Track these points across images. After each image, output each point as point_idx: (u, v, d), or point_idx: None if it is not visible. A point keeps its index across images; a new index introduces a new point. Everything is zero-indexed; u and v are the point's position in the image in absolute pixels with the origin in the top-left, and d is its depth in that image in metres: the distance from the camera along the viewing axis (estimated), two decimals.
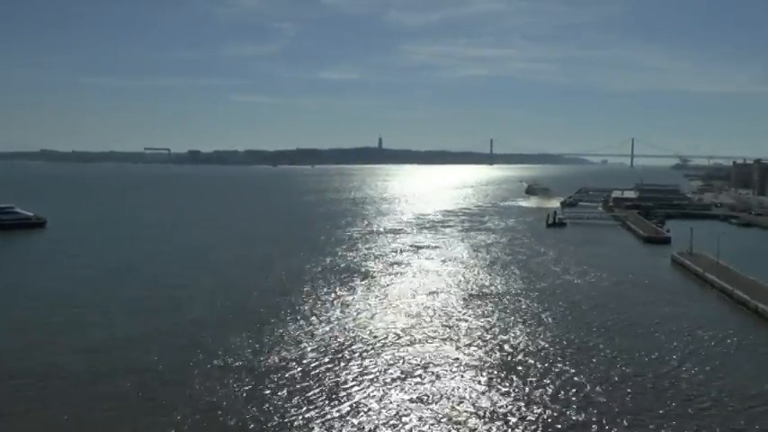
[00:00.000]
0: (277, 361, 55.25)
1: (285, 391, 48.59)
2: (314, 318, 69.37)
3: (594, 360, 56.96)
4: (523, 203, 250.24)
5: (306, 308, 73.55)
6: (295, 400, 46.97)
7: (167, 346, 59.19)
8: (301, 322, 67.50)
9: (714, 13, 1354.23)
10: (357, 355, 57.19)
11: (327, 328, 65.27)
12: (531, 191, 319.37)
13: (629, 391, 49.73)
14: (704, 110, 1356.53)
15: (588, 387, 50.40)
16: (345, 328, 65.35)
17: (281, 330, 64.34)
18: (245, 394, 48.17)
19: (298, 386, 49.66)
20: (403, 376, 52.12)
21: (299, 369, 53.32)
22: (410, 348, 59.16)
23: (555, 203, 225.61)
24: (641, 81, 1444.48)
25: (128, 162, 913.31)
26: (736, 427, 43.92)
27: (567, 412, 45.66)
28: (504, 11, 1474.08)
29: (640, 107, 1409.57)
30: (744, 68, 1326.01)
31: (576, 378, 52.25)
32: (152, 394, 47.85)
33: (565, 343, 61.84)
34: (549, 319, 70.46)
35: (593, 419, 44.44)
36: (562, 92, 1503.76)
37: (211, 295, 79.67)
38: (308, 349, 58.47)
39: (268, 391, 48.61)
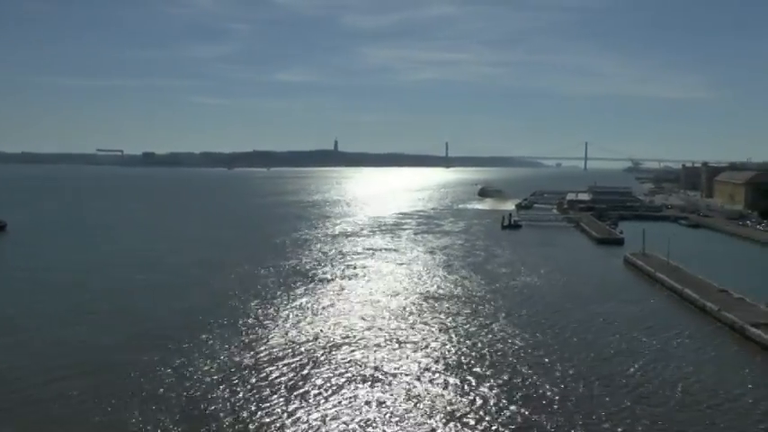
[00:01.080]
0: (228, 367, 53.87)
1: (237, 398, 47.43)
2: (268, 323, 68.00)
3: (549, 359, 57.07)
4: (478, 206, 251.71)
5: (259, 313, 72.08)
6: (248, 407, 45.86)
7: (106, 351, 57.30)
8: (254, 328, 66.07)
9: (662, 21, 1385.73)
10: (312, 359, 56.18)
11: (281, 333, 64.07)
12: (484, 193, 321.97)
13: (582, 389, 49.88)
14: (654, 114, 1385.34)
15: (543, 386, 50.38)
16: (300, 333, 64.24)
17: (233, 336, 62.78)
18: (191, 402, 46.85)
19: (251, 392, 48.53)
20: (359, 379, 51.36)
21: (253, 375, 52.11)
22: (366, 352, 58.45)
23: (510, 206, 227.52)
24: (594, 86, 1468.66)
25: (80, 163, 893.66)
26: (685, 421, 44.38)
27: (524, 411, 45.50)
28: (459, 15, 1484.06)
29: (593, 111, 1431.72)
30: (690, 75, 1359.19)
31: (531, 377, 52.20)
32: (90, 402, 46.24)
33: (520, 343, 61.89)
34: (505, 320, 70.50)
35: (548, 418, 44.38)
36: (517, 96, 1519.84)
37: (161, 300, 77.80)
38: (261, 355, 57.22)
39: (218, 399, 47.36)
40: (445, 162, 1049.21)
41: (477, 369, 54.43)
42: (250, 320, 68.68)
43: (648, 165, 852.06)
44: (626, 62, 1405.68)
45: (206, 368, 53.39)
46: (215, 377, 51.43)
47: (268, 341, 61.21)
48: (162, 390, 48.59)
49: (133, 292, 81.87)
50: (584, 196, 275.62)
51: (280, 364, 54.76)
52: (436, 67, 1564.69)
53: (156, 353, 56.58)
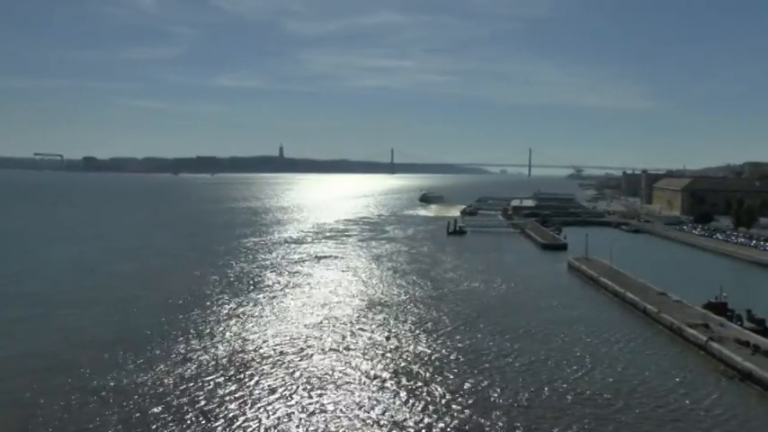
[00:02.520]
0: (168, 381, 51.75)
1: (178, 413, 45.67)
2: (208, 334, 65.92)
3: (494, 363, 56.96)
4: (424, 212, 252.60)
5: (200, 323, 69.91)
6: (189, 421, 44.26)
7: (37, 368, 54.45)
8: (194, 339, 63.82)
9: (602, 32, 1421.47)
10: (256, 369, 54.69)
11: (223, 344, 62.31)
12: (425, 199, 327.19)
13: (528, 394, 49.72)
14: (595, 123, 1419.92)
15: (488, 389, 50.15)
16: (243, 343, 62.64)
17: (171, 348, 60.58)
18: (131, 418, 44.92)
19: (192, 406, 46.78)
20: (304, 389, 50.13)
21: (194, 388, 50.25)
22: (311, 361, 57.26)
23: (455, 212, 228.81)
24: (536, 95, 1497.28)
25: (17, 168, 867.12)
26: (631, 422, 44.58)
27: (470, 415, 45.16)
28: (403, 23, 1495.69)
29: (537, 119, 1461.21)
30: (630, 85, 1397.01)
31: (477, 381, 51.86)
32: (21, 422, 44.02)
33: (465, 349, 61.58)
34: (450, 326, 70.18)
35: (493, 421, 44.05)
36: (461, 103, 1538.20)
37: (96, 312, 74.80)
38: (203, 367, 55.29)
39: (158, 414, 45.53)
40: (390, 168, 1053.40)
41: (423, 374, 53.83)
42: (191, 331, 66.52)
43: (591, 172, 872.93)
44: (567, 72, 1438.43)
45: (142, 383, 51.27)
46: (153, 392, 49.40)
47: (210, 352, 59.38)
48: (96, 407, 46.63)
49: (61, 305, 78.18)
50: (529, 202, 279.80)
51: (222, 375, 53.09)
52: (381, 74, 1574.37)
53: (87, 371, 53.90)
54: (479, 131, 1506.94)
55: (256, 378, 52.41)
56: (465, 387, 51.11)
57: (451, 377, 53.41)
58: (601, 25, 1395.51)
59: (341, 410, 46.17)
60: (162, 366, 54.92)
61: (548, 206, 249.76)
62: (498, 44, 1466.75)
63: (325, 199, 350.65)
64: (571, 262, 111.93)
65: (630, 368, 56.55)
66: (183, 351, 59.36)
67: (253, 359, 57.21)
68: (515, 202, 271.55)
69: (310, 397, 48.61)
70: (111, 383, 50.65)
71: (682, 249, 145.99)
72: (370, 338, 64.67)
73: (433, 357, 58.84)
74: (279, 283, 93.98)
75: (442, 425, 44.08)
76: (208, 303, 79.41)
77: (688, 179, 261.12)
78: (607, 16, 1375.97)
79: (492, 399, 48.83)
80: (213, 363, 56.06)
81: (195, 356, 57.81)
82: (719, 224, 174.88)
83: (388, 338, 64.82)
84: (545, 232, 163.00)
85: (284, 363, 56.42)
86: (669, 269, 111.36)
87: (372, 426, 43.88)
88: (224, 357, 57.60)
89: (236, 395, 48.67)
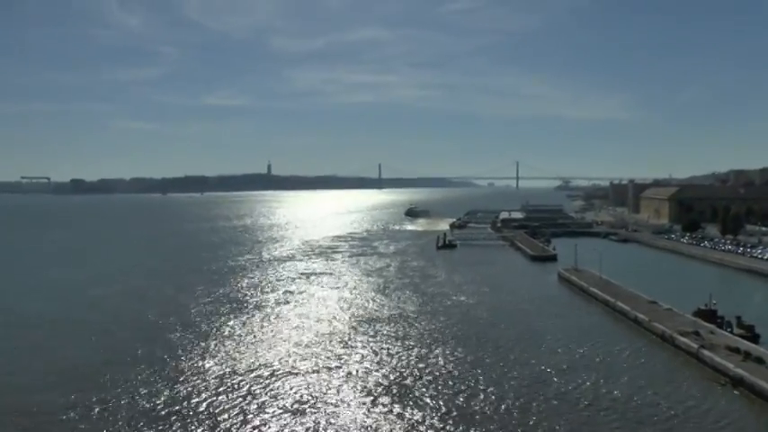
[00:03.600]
0: (157, 402, 51.36)
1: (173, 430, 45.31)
2: (198, 354, 65.39)
3: (488, 376, 56.75)
4: (412, 227, 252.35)
5: (189, 344, 69.37)
6: None
7: (20, 393, 53.88)
8: (184, 360, 63.38)
9: (585, 44, 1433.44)
10: (247, 389, 54.26)
11: (214, 364, 61.81)
12: (411, 213, 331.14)
13: (522, 404, 49.57)
14: (582, 134, 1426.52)
15: (483, 404, 49.90)
16: (233, 363, 62.13)
17: (160, 370, 60.08)
18: None
19: (186, 424, 46.44)
20: (296, 407, 49.78)
21: (185, 409, 49.88)
22: (303, 378, 56.88)
23: (443, 225, 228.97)
24: (522, 107, 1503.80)
25: (3, 192, 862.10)
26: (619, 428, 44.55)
27: (466, 429, 44.97)
28: (387, 38, 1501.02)
29: (523, 132, 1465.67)
30: (613, 96, 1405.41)
31: (471, 396, 51.62)
32: None
33: (459, 362, 61.44)
34: (442, 340, 69.98)
35: None
36: (447, 117, 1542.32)
37: (89, 333, 74.26)
38: (196, 386, 54.92)
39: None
40: (378, 184, 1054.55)
41: (416, 391, 53.53)
42: (180, 352, 65.95)
43: (578, 183, 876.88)
44: (553, 84, 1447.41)
45: (131, 404, 50.80)
46: (140, 413, 48.93)
47: (200, 372, 58.90)
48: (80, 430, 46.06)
49: (50, 327, 77.80)
50: (518, 214, 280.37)
51: (212, 395, 52.64)
52: (366, 90, 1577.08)
53: (74, 393, 53.23)
54: (466, 145, 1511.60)
55: (247, 398, 51.92)
56: (458, 402, 50.87)
57: (444, 392, 53.13)
58: (583, 38, 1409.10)
59: (334, 429, 45.81)
60: (151, 388, 54.38)
61: (536, 218, 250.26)
62: (482, 58, 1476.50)
63: (313, 216, 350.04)
64: (561, 273, 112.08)
65: (624, 377, 56.53)
66: (172, 372, 58.78)
67: (243, 379, 56.67)
68: (504, 215, 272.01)
69: (303, 415, 48.24)
70: (97, 406, 50.08)
71: (670, 258, 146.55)
72: (361, 355, 64.33)
73: (424, 373, 58.52)
74: (268, 301, 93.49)
75: None
76: (197, 323, 78.87)
77: (675, 188, 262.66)
78: (589, 29, 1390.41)
79: (486, 410, 48.66)
80: (204, 383, 55.57)
81: (185, 377, 57.27)
82: (708, 232, 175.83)
83: (379, 355, 64.51)
84: (534, 244, 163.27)
85: (275, 382, 55.95)
86: (658, 278, 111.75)
87: None
88: (214, 377, 57.12)
89: (227, 415, 48.22)
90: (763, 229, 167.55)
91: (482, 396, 51.96)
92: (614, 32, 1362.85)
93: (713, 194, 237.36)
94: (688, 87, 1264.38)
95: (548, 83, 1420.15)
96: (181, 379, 56.89)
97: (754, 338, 66.12)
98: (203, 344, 69.00)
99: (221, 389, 54.10)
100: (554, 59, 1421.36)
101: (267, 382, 55.94)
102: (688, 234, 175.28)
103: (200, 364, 61.66)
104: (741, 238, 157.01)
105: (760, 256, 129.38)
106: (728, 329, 68.95)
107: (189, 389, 54.26)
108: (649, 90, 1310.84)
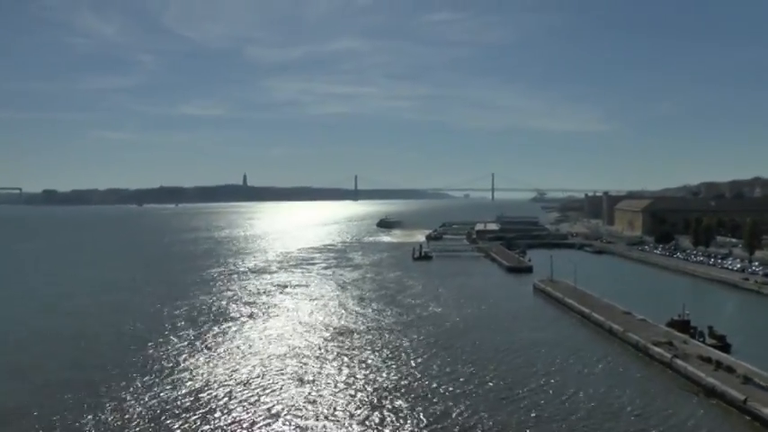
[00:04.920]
0: (128, 420, 50.54)
1: None
2: (170, 369, 64.44)
3: (465, 388, 56.74)
4: (388, 238, 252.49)
5: (161, 359, 68.36)
6: None
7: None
8: (156, 375, 62.46)
9: (559, 56, 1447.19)
10: (220, 405, 53.55)
11: (186, 379, 60.96)
12: (383, 224, 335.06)
13: (498, 416, 49.55)
14: (557, 146, 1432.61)
15: (458, 416, 49.79)
16: (206, 377, 61.34)
17: (131, 386, 59.09)
18: None
19: None
20: (271, 420, 49.40)
21: (160, 423, 49.28)
22: (277, 393, 56.40)
23: (419, 237, 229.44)
24: (497, 119, 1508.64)
25: None
26: None
27: None
28: (363, 49, 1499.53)
29: (498, 143, 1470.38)
30: (587, 109, 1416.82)
31: (446, 409, 51.46)
32: None
33: (435, 374, 61.32)
34: (419, 352, 69.89)
35: None
36: (423, 129, 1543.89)
37: (53, 350, 72.67)
38: (164, 405, 53.99)
39: None
40: (354, 195, 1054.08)
41: (392, 403, 53.31)
42: (152, 368, 65.04)
43: (553, 194, 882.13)
44: (528, 96, 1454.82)
45: (101, 423, 50.02)
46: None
47: (172, 389, 58.03)
48: None
49: (20, 343, 76.46)
50: (493, 226, 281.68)
51: (184, 411, 51.95)
52: (342, 101, 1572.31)
53: (41, 412, 52.09)
54: (442, 156, 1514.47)
55: (220, 414, 51.18)
56: (435, 414, 50.74)
57: (421, 404, 52.94)
58: (557, 50, 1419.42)
59: None
60: (122, 404, 53.44)
61: (512, 229, 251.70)
62: (458, 70, 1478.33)
63: (289, 227, 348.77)
64: (537, 284, 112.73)
65: (599, 387, 56.84)
66: (143, 389, 57.71)
67: (216, 394, 55.90)
68: (480, 226, 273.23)
69: (278, 427, 47.86)
70: (67, 424, 49.23)
71: (644, 269, 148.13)
72: (337, 368, 63.98)
73: (401, 385, 58.38)
74: (243, 314, 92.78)
75: None
76: (170, 337, 77.87)
77: (648, 200, 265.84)
78: (563, 41, 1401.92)
79: (463, 423, 48.59)
80: (175, 400, 54.68)
81: (156, 393, 56.32)
82: (680, 243, 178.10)
83: (355, 367, 64.22)
84: (510, 255, 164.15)
85: (250, 396, 55.41)
86: (633, 288, 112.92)
87: None
88: (187, 393, 56.25)
89: (202, 429, 47.66)
90: (733, 240, 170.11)
91: (459, 408, 51.85)
92: (587, 47, 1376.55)
93: (685, 207, 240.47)
94: (660, 102, 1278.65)
95: (523, 95, 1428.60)
96: (151, 395, 55.98)
97: (726, 348, 67.14)
98: (177, 358, 68.19)
99: (194, 403, 53.43)
100: (529, 72, 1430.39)
101: (241, 396, 55.36)
102: (661, 245, 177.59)
103: (174, 378, 60.86)
104: (712, 250, 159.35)
105: (730, 267, 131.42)
106: (701, 339, 69.85)
107: (162, 404, 53.47)
108: (622, 104, 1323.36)
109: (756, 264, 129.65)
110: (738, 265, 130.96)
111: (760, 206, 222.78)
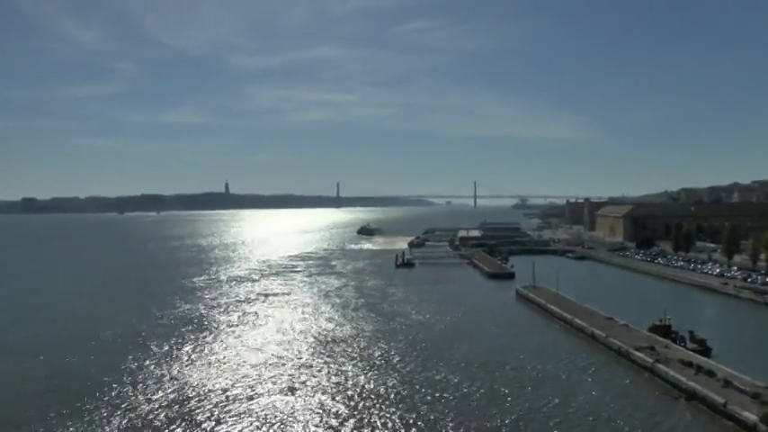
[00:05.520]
0: (114, 427, 50.20)
1: None
2: (152, 379, 63.79)
3: (447, 394, 56.66)
4: (370, 246, 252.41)
5: (142, 369, 67.68)
6: None
7: None
8: (137, 385, 61.83)
9: (539, 64, 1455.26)
10: (202, 414, 53.05)
11: (168, 389, 60.36)
12: (363, 231, 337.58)
13: (483, 423, 49.55)
14: (538, 153, 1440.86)
15: (442, 423, 49.78)
16: (188, 387, 60.78)
17: (111, 397, 58.51)
18: None
19: None
20: (254, 430, 49.16)
21: None
22: (259, 402, 56.04)
23: (401, 244, 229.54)
24: (479, 127, 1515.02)
25: None
26: None
27: None
28: (343, 57, 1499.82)
29: (480, 151, 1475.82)
30: (566, 116, 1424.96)
31: (430, 417, 51.39)
32: None
33: (420, 381, 61.16)
34: (402, 360, 69.74)
35: None
36: (404, 136, 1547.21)
37: (30, 361, 71.82)
38: (145, 416, 53.46)
39: None
40: (336, 202, 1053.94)
41: (377, 412, 53.13)
42: (132, 378, 64.33)
43: (535, 201, 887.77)
44: (509, 104, 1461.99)
45: None
46: None
47: (153, 399, 57.42)
48: None
49: None
50: (476, 233, 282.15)
51: (165, 422, 51.48)
52: (323, 108, 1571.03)
53: (17, 426, 51.38)
54: (424, 164, 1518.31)
55: (203, 424, 50.81)
56: (420, 422, 50.62)
57: (406, 412, 52.81)
58: (535, 58, 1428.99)
59: None
60: (102, 417, 52.76)
61: (494, 236, 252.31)
62: (439, 77, 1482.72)
63: (270, 235, 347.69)
64: (519, 290, 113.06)
65: (582, 393, 57.03)
66: (123, 400, 57.07)
67: (198, 404, 55.41)
68: (462, 233, 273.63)
69: None
70: None
71: (626, 274, 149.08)
72: (320, 376, 63.69)
73: (385, 393, 58.20)
74: (225, 322, 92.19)
75: None
76: (152, 347, 77.04)
77: (629, 206, 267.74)
78: (541, 49, 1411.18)
79: (448, 430, 48.57)
80: (156, 410, 54.11)
81: (136, 404, 55.72)
82: (661, 249, 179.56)
83: (338, 376, 63.96)
84: (492, 262, 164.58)
85: (232, 405, 54.95)
86: (614, 294, 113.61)
87: None
88: (168, 404, 55.72)
89: None
90: (712, 245, 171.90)
91: (444, 415, 51.83)
92: (566, 55, 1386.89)
93: (666, 212, 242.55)
94: (638, 109, 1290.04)
95: (503, 102, 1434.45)
96: (131, 406, 55.33)
97: (706, 352, 67.69)
98: (157, 367, 67.51)
99: (175, 413, 52.93)
100: (509, 79, 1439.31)
101: (224, 405, 54.90)
102: (642, 251, 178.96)
103: (153, 389, 60.13)
104: (692, 255, 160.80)
105: (710, 272, 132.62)
106: (682, 344, 70.34)
107: (139, 416, 52.87)
108: (601, 111, 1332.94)
109: (735, 269, 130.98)
110: (717, 270, 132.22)
111: (738, 211, 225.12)
